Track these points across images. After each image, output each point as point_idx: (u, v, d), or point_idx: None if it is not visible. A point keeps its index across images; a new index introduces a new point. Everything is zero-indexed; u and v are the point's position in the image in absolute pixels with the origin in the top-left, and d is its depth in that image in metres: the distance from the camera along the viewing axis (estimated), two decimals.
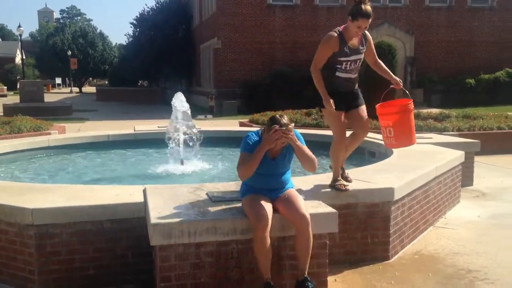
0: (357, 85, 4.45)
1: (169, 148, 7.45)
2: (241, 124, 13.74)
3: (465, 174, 6.98)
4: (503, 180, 7.81)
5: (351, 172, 5.22)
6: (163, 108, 27.71)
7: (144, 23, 36.49)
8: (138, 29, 38.01)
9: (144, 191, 4.21)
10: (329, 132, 9.70)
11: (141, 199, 4.03)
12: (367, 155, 7.52)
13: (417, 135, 8.73)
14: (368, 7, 3.98)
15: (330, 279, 3.85)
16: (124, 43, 47.47)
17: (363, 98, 4.54)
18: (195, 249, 3.41)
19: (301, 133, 10.83)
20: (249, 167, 3.44)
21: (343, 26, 4.19)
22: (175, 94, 7.69)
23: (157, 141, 9.23)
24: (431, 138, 7.94)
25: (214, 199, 3.85)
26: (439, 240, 5.02)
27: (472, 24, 27.21)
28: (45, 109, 21.50)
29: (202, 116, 20.59)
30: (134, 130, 10.01)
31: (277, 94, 22.23)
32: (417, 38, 26.62)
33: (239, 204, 3.68)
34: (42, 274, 3.80)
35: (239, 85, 24.37)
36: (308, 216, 3.40)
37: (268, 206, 3.46)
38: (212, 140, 9.10)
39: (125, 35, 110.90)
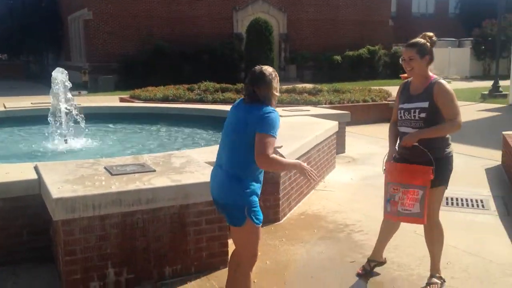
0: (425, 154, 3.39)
1: (50, 125, 7.11)
2: (122, 100, 13.39)
3: (338, 142, 7.71)
4: (369, 146, 8.77)
5: None
6: (29, 84, 25.65)
7: None
8: None
9: (36, 168, 4.09)
10: (213, 106, 9.97)
11: (34, 177, 3.93)
12: None
13: (295, 107, 9.39)
14: (413, 40, 3.48)
15: (230, 241, 4.14)
16: None
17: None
18: (100, 222, 3.44)
19: (186, 108, 10.87)
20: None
21: None
22: (56, 69, 7.33)
23: (33, 119, 8.73)
24: (309, 110, 8.61)
25: (114, 172, 3.89)
26: (320, 201, 5.60)
27: (338, 4, 29.14)
28: None
29: (75, 92, 19.45)
30: (5, 107, 9.30)
31: (156, 70, 21.87)
32: (289, 16, 27.81)
33: (141, 176, 3.77)
34: None
35: (115, 59, 23.40)
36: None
37: None
38: (93, 117, 8.84)
39: None
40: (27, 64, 36.92)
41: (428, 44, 3.48)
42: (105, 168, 4.06)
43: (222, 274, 3.75)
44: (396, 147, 3.66)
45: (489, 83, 18.22)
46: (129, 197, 3.49)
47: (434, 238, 3.57)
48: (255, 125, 2.82)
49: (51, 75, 7.35)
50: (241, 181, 2.86)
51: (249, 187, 2.88)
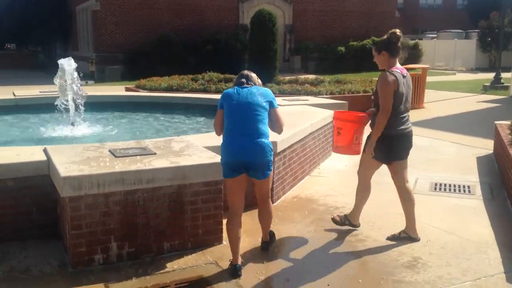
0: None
1: (58, 111, 7.42)
2: (127, 89, 13.69)
3: None
4: (365, 136, 8.99)
5: None
6: (36, 73, 26.02)
7: None
8: None
9: (46, 151, 4.38)
10: (215, 96, 10.23)
11: (43, 158, 4.21)
12: None
13: (295, 97, 9.63)
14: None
15: (225, 221, 4.42)
16: None
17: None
18: (104, 199, 3.74)
19: (189, 98, 11.15)
20: None
21: None
22: (65, 59, 7.63)
23: (41, 106, 9.03)
24: (308, 100, 8.85)
25: (117, 155, 4.18)
26: (314, 186, 5.88)
27: None
28: None
29: (83, 82, 19.76)
30: (14, 95, 9.60)
31: (161, 60, 22.14)
32: (295, 6, 27.95)
33: (142, 158, 4.06)
34: None
35: (122, 50, 23.72)
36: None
37: None
38: (100, 105, 9.17)
39: None
40: (35, 54, 37.28)
41: (391, 40, 4.03)
42: (109, 151, 4.35)
43: (216, 250, 4.05)
44: None
45: (493, 75, 18.32)
46: (131, 176, 3.78)
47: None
48: (272, 102, 3.78)
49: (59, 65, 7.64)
50: (270, 144, 3.73)
51: None
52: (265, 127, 3.71)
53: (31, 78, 22.44)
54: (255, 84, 3.84)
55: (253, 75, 3.91)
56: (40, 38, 33.37)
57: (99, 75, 22.84)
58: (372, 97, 4.28)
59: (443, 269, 3.65)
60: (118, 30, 24.41)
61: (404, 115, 4.12)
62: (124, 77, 21.93)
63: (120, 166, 3.85)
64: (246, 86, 3.79)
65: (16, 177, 4.10)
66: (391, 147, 4.11)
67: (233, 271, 3.63)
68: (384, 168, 4.33)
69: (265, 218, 4.01)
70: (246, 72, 3.95)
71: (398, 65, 4.08)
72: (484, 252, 3.95)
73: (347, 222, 4.53)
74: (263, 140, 3.66)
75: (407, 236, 4.18)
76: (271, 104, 3.76)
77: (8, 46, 44.71)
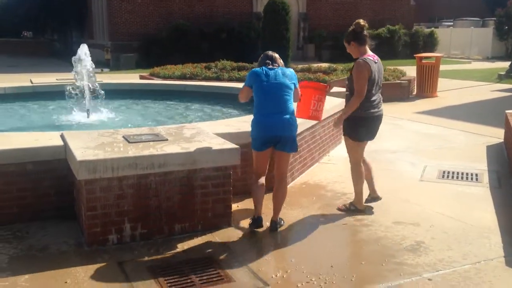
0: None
1: (74, 99, 7.61)
2: (142, 77, 13.87)
3: None
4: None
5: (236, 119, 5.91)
6: (53, 61, 26.38)
7: None
8: None
9: (62, 136, 4.56)
10: (228, 84, 10.36)
11: (60, 143, 4.40)
12: None
13: None
14: None
15: (233, 205, 4.57)
16: None
17: None
18: (118, 182, 3.90)
19: (202, 85, 11.30)
20: None
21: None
22: (80, 46, 7.80)
23: (57, 94, 9.21)
24: None
25: (131, 140, 4.34)
26: (322, 173, 5.99)
27: None
28: None
29: (98, 70, 20.02)
30: (32, 83, 9.82)
31: (175, 48, 22.28)
32: None
33: (155, 144, 4.21)
34: None
35: (136, 38, 23.90)
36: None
37: None
38: (114, 93, 9.32)
39: None
40: (52, 42, 37.73)
41: (356, 30, 4.31)
42: (123, 137, 4.51)
43: (225, 232, 4.20)
44: None
45: (509, 64, 18.10)
46: (144, 161, 3.94)
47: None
48: (295, 82, 4.22)
49: (75, 53, 7.82)
50: (296, 120, 4.21)
51: None
52: (291, 105, 4.15)
53: (47, 66, 22.77)
54: (279, 66, 4.22)
55: (277, 56, 4.30)
56: (56, 26, 33.75)
57: (114, 63, 23.07)
58: (346, 83, 4.55)
59: (444, 252, 3.76)
60: (132, 19, 24.57)
61: (375, 98, 4.41)
62: (139, 65, 22.12)
63: (133, 151, 4.01)
64: (272, 67, 4.17)
65: (35, 161, 4.29)
66: (357, 128, 4.42)
67: (256, 221, 4.20)
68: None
69: (279, 196, 4.32)
70: (270, 53, 4.30)
71: (369, 52, 4.37)
72: (486, 237, 4.04)
73: (353, 208, 4.67)
74: (291, 116, 4.13)
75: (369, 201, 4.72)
76: (294, 85, 4.22)
77: (25, 34, 45.33)
